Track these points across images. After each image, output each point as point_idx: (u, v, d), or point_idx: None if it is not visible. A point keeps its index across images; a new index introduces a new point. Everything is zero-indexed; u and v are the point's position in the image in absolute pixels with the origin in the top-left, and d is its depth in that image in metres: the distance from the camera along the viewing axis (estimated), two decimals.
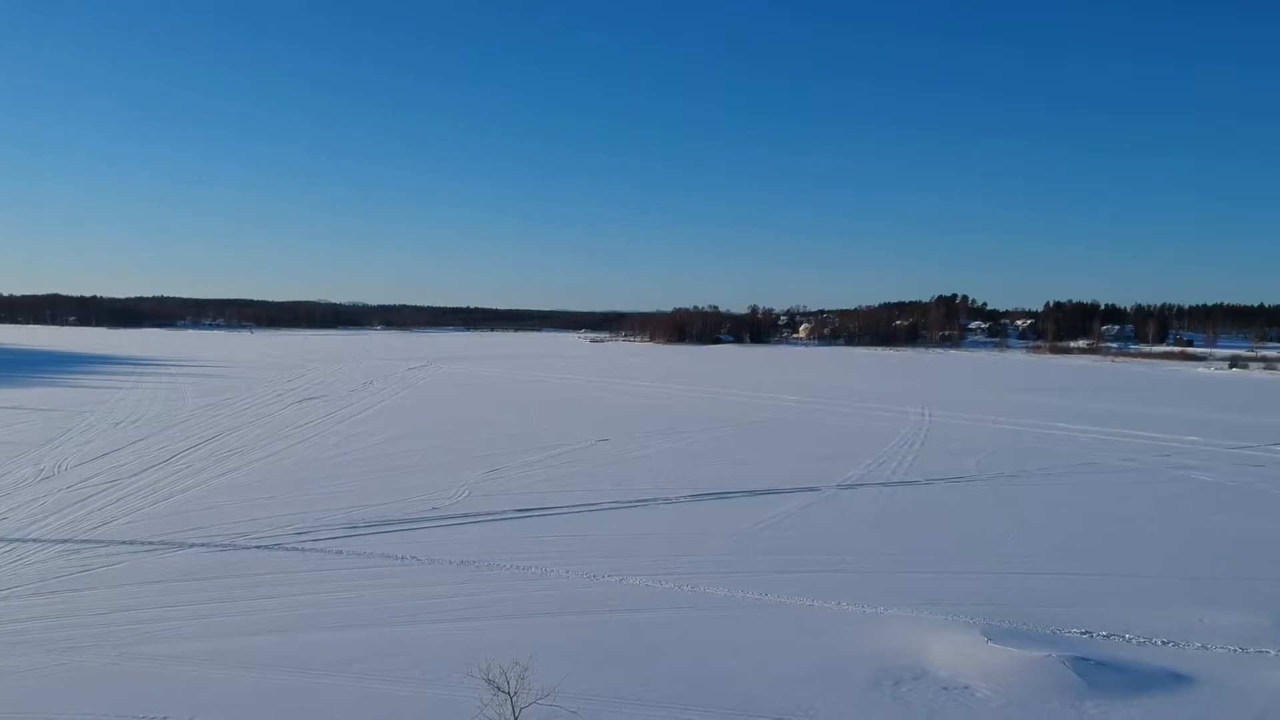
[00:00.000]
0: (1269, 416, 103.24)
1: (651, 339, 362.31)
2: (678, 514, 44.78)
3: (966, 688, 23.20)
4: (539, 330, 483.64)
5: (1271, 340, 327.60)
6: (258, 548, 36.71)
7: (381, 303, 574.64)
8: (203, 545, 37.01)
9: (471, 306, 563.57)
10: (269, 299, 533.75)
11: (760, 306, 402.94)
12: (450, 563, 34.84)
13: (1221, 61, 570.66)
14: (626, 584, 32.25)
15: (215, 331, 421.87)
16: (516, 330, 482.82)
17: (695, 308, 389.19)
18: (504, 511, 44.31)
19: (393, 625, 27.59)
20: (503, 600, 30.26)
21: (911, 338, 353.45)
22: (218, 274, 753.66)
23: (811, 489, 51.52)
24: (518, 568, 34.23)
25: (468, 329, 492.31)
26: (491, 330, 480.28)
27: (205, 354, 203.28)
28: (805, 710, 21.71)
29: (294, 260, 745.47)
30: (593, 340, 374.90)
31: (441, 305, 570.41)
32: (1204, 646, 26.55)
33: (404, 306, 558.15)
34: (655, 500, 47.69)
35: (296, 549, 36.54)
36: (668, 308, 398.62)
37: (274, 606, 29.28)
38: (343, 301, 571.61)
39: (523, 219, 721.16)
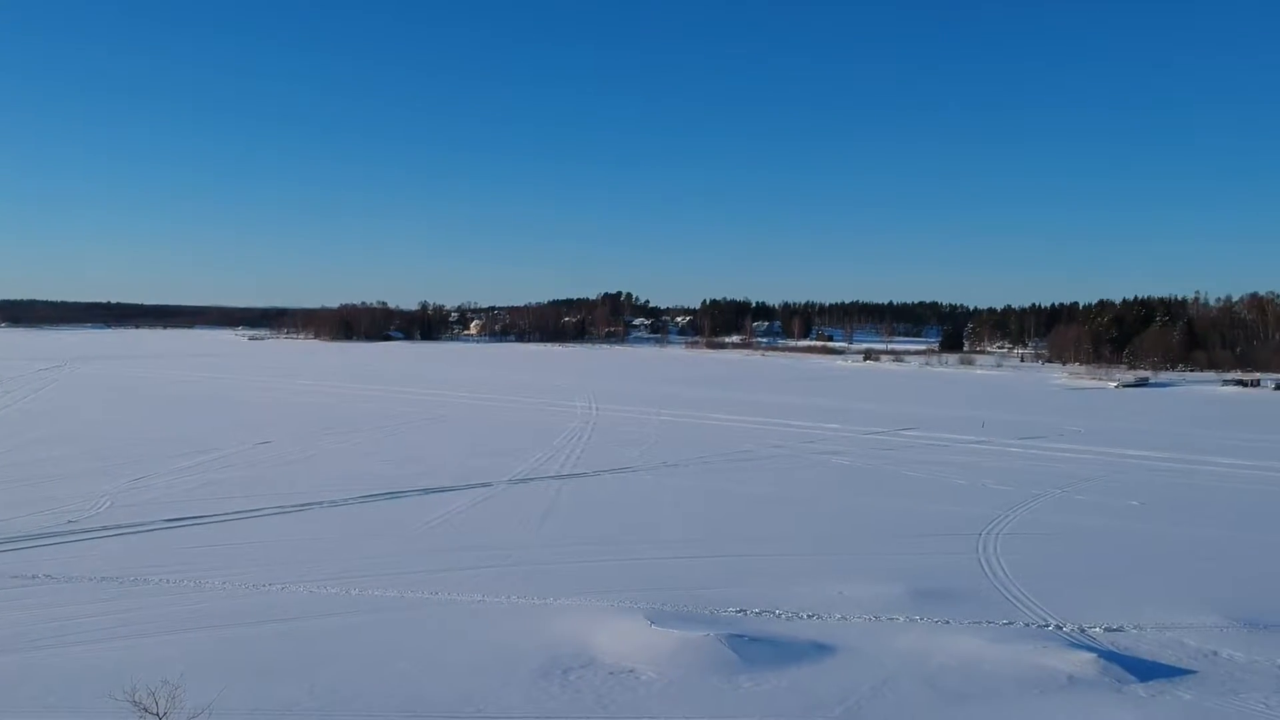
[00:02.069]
0: (897, 405, 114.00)
1: (317, 336, 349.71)
2: (344, 517, 43.48)
3: (632, 671, 24.01)
4: (192, 328, 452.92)
5: (900, 335, 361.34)
6: None
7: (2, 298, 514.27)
8: None
9: (113, 302, 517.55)
10: None
11: (431, 303, 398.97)
12: (91, 579, 32.03)
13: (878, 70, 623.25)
14: (289, 592, 30.92)
15: None
16: (166, 328, 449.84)
17: (363, 304, 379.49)
18: (152, 522, 41.27)
19: (22, 651, 24.99)
20: (152, 616, 28.16)
21: (579, 334, 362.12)
22: None
23: (483, 485, 51.58)
24: (168, 581, 31.98)
25: (108, 327, 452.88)
26: (137, 328, 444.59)
27: None
28: (475, 705, 21.69)
29: None
30: (252, 338, 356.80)
31: (78, 300, 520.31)
32: (844, 617, 28.86)
33: (33, 302, 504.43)
34: (320, 503, 46.06)
35: None
36: (333, 303, 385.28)
37: None
38: None
39: (172, 208, 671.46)
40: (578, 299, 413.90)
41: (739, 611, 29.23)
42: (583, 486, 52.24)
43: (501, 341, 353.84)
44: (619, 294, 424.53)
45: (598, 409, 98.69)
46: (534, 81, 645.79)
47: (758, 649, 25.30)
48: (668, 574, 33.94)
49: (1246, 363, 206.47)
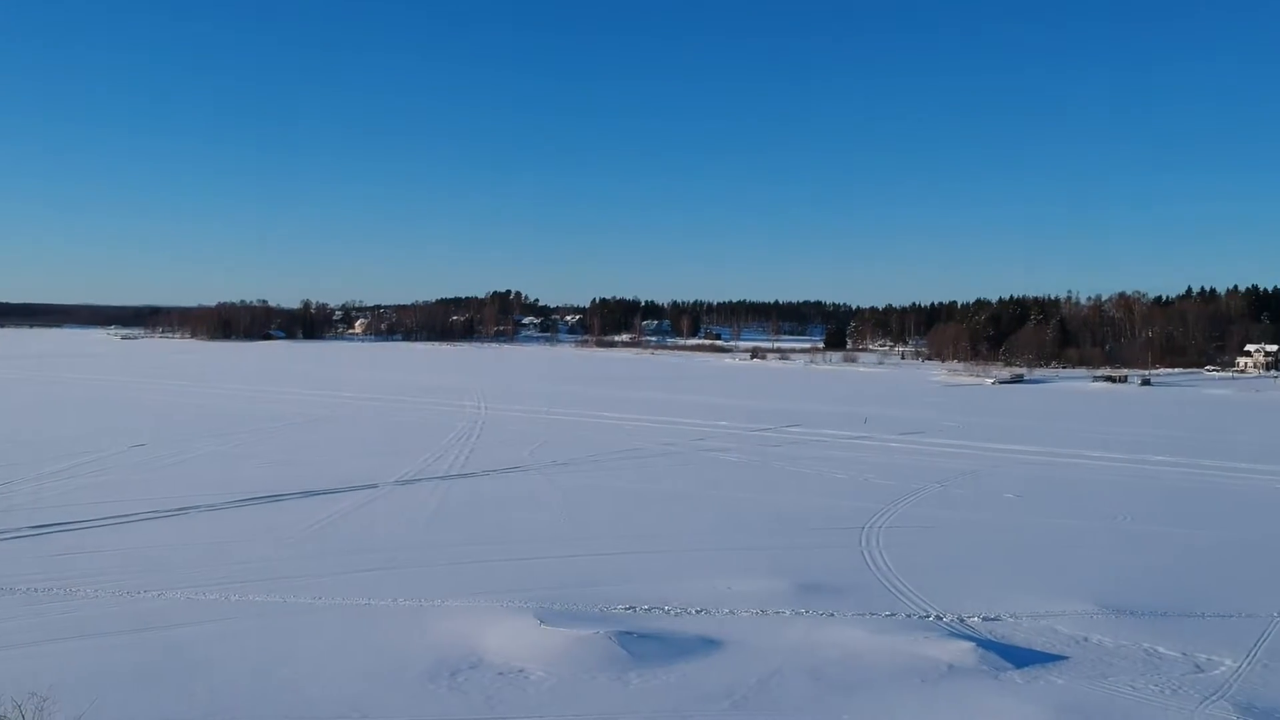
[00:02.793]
0: (784, 402, 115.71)
1: (194, 335, 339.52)
2: (223, 520, 42.26)
3: (521, 671, 23.86)
4: (61, 327, 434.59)
5: (785, 334, 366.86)
6: None
7: None
8: None
9: None
10: None
11: (314, 301, 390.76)
12: None
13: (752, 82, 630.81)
14: (165, 599, 29.90)
15: None
16: (33, 327, 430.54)
17: (242, 302, 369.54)
18: (17, 529, 39.49)
19: None
20: (19, 627, 26.91)
21: (468, 333, 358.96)
22: None
23: (369, 486, 50.70)
24: (35, 590, 30.61)
25: None
26: (2, 327, 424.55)
27: None
28: (361, 710, 21.29)
29: None
30: (125, 337, 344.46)
31: None
32: (731, 612, 29.15)
33: None
34: (198, 507, 44.67)
35: None
36: (211, 302, 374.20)
37: None
38: None
39: (36, 201, 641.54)
40: (466, 298, 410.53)
41: (629, 608, 29.29)
42: (471, 486, 51.76)
43: (388, 341, 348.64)
44: (508, 293, 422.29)
45: (487, 408, 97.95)
46: (418, 81, 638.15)
47: (647, 645, 25.40)
48: (558, 573, 33.84)
49: (1115, 359, 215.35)
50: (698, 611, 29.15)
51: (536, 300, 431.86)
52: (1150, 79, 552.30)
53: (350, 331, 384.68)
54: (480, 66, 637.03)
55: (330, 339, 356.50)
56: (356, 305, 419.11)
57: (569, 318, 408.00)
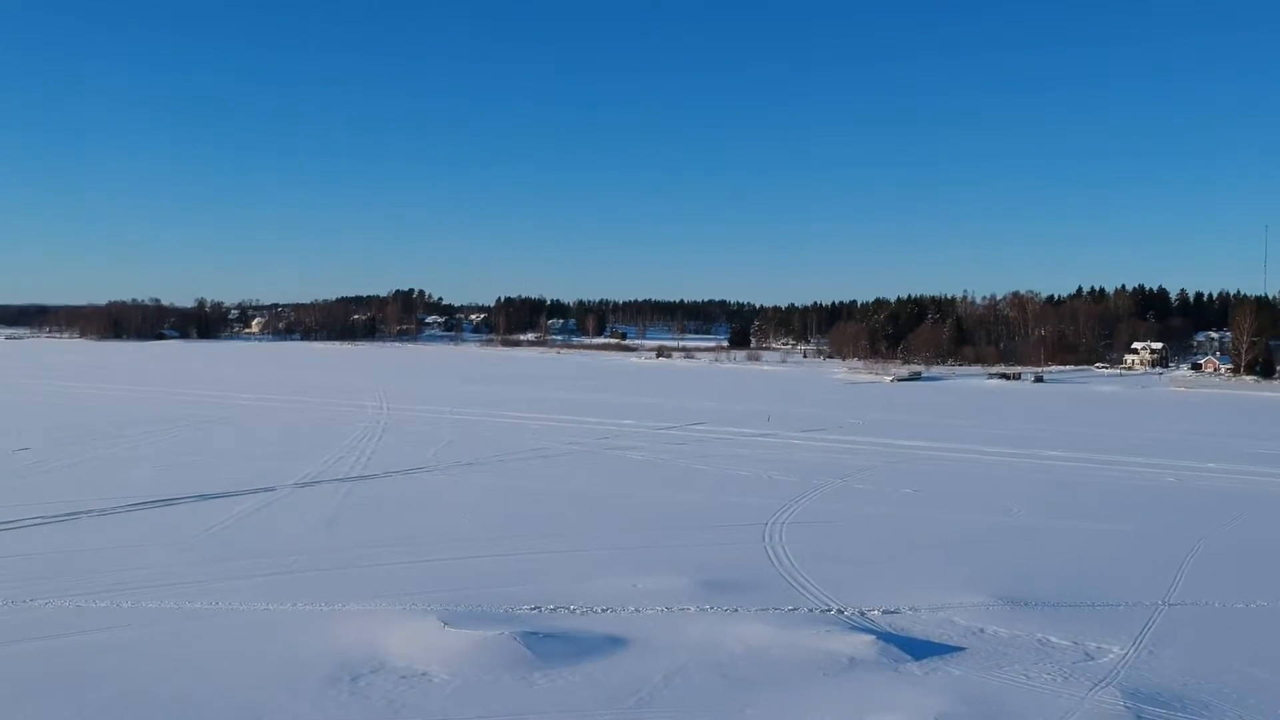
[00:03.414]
0: (689, 400, 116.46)
1: (83, 335, 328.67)
2: (115, 526, 40.90)
3: (424, 674, 23.55)
4: None
5: (691, 332, 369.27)
6: None
7: None
8: None
9: None
10: None
11: (209, 300, 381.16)
12: None
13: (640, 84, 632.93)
14: (53, 607, 28.80)
15: None
16: None
17: (134, 301, 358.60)
18: None
19: None
20: None
21: (370, 332, 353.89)
22: None
23: (267, 489, 49.59)
24: None
25: None
26: None
27: None
28: (258, 717, 20.78)
29: None
30: (9, 337, 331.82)
31: None
32: (637, 610, 29.19)
33: None
34: (87, 512, 43.17)
35: None
36: (101, 300, 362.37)
37: None
38: None
39: None
40: (368, 296, 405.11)
41: (534, 609, 29.13)
42: (374, 488, 50.99)
43: (286, 340, 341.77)
44: (411, 291, 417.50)
45: (389, 409, 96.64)
46: (316, 79, 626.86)
47: (552, 645, 25.29)
48: (462, 574, 33.51)
49: (1009, 357, 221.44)
50: (603, 610, 29.12)
51: (440, 299, 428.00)
52: (1046, 95, 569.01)
53: (247, 331, 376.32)
54: (370, 56, 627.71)
55: (226, 339, 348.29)
56: (254, 304, 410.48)
57: (474, 317, 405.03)
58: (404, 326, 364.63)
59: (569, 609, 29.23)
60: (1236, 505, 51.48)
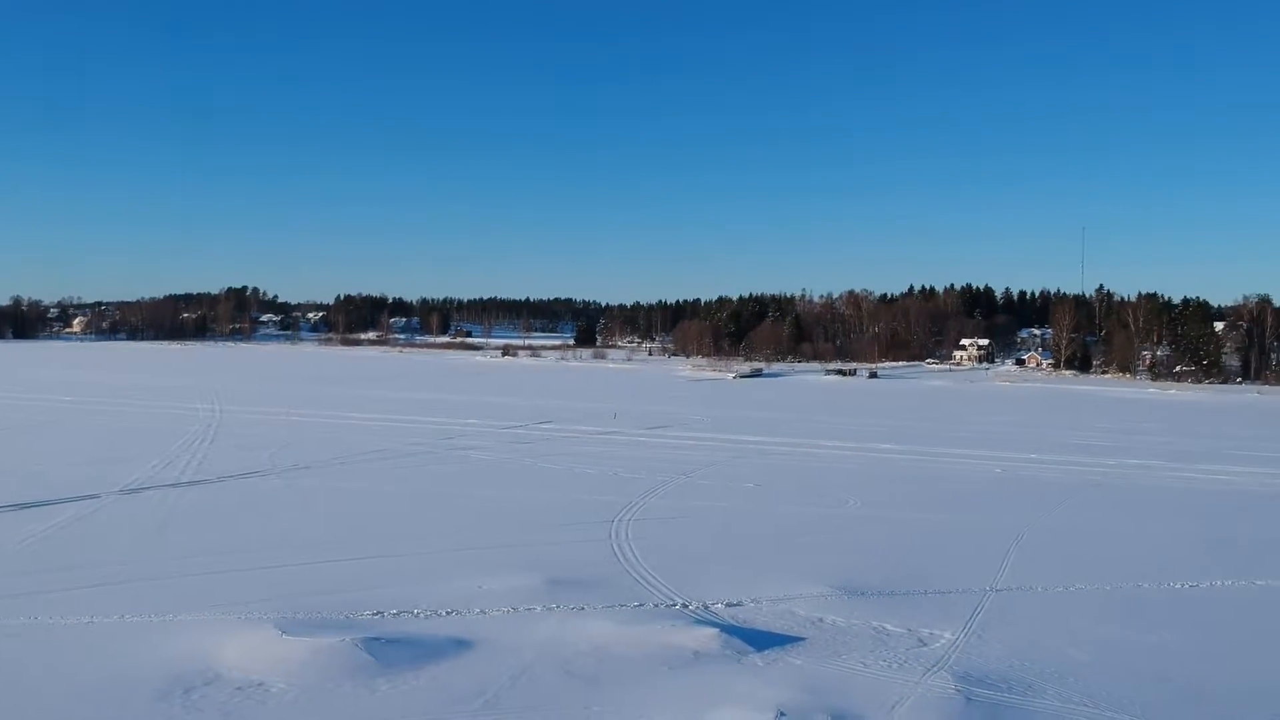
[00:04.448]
0: (535, 399, 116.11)
1: None
2: None
3: (261, 685, 22.79)
4: None
5: (537, 331, 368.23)
6: None
7: None
8: None
9: None
10: None
11: (26, 298, 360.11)
12: None
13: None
14: None
15: None
16: None
17: None
18: None
19: None
20: None
21: (201, 331, 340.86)
22: None
23: (90, 496, 47.12)
24: None
25: None
26: None
27: None
28: None
29: None
30: None
31: None
32: (483, 611, 28.91)
33: None
34: None
35: None
36: None
37: None
38: None
39: None
40: (198, 294, 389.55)
41: (376, 614, 28.53)
42: (206, 494, 49.07)
43: (110, 340, 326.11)
44: (245, 288, 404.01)
45: (222, 411, 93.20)
46: (137, 59, 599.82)
47: (395, 650, 24.82)
48: (301, 581, 32.53)
49: (845, 353, 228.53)
50: (448, 613, 28.74)
51: (276, 297, 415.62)
52: (869, 102, 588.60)
53: (68, 330, 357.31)
54: (177, 35, 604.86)
55: (45, 338, 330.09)
56: (75, 302, 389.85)
57: (312, 315, 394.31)
58: (237, 326, 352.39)
59: (413, 613, 28.74)
60: (1057, 493, 54.37)
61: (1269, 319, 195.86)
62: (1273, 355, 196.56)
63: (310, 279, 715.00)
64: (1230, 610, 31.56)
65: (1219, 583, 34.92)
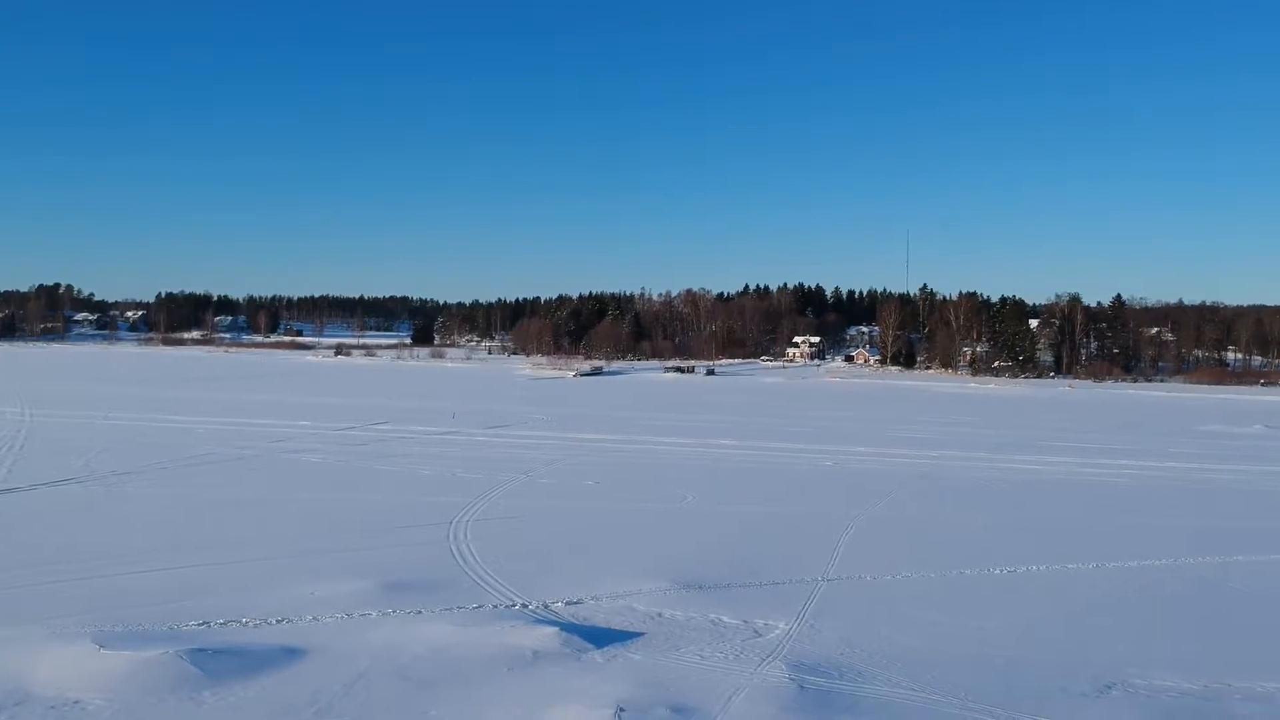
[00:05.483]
0: (370, 399, 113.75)
1: None
2: None
3: (77, 702, 21.60)
4: None
5: (372, 329, 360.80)
6: None
7: None
8: None
9: None
10: None
11: None
12: None
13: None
14: None
15: None
16: None
17: None
18: None
19: None
20: None
21: (9, 331, 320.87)
22: None
23: None
24: None
25: None
26: None
27: None
28: None
29: None
30: None
31: None
32: (315, 618, 28.11)
33: None
34: None
35: None
36: None
37: None
38: None
39: None
40: (5, 291, 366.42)
41: (202, 624, 27.40)
42: (14, 503, 46.20)
43: None
44: (57, 286, 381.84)
45: (32, 415, 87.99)
46: None
47: (223, 661, 23.89)
48: (120, 592, 30.96)
49: (683, 351, 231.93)
50: (279, 621, 27.83)
51: (92, 295, 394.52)
52: (710, 104, 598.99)
53: None
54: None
55: None
56: None
57: (130, 314, 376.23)
58: (49, 325, 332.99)
59: (241, 622, 27.73)
60: (885, 485, 56.41)
61: (1079, 316, 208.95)
62: (1082, 350, 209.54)
63: (129, 276, 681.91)
64: (1045, 593, 33.35)
65: (1034, 567, 36.86)
